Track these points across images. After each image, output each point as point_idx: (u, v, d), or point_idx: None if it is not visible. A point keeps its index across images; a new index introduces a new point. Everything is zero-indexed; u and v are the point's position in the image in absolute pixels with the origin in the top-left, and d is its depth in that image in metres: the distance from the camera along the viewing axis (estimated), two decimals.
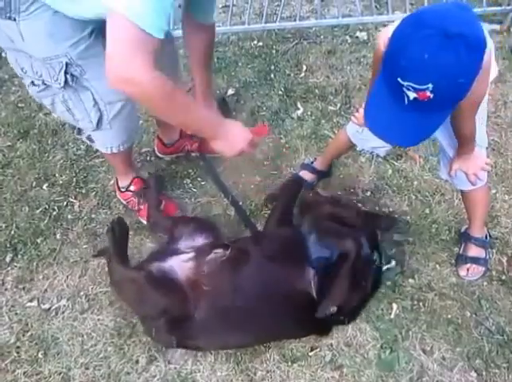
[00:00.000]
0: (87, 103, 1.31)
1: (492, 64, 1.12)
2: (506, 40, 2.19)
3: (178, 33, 1.65)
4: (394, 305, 1.45)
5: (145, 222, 1.67)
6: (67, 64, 1.20)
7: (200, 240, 1.46)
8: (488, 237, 1.55)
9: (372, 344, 1.39)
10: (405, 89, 0.89)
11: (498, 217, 1.63)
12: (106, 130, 1.40)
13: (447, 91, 0.90)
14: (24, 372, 1.40)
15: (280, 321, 1.34)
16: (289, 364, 1.37)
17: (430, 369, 1.34)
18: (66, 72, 1.21)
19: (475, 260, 1.50)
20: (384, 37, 0.98)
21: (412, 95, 0.90)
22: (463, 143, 1.24)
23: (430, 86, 0.87)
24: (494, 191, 1.69)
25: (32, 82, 1.28)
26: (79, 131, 1.48)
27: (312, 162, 1.78)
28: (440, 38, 0.83)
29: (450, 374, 1.33)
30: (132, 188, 1.69)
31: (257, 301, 1.32)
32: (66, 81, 1.23)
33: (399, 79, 0.89)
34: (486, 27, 2.43)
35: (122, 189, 1.70)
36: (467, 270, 1.49)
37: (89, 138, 1.46)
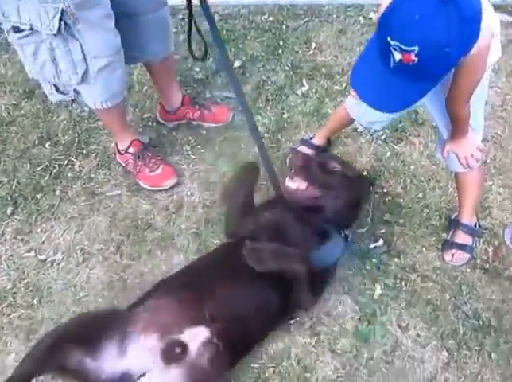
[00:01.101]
0: (75, 55, 1.39)
1: (495, 47, 1.18)
2: None
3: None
4: (377, 284, 1.59)
5: (142, 184, 1.84)
6: (62, 11, 1.27)
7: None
8: (477, 226, 1.69)
9: (351, 316, 1.55)
10: (392, 49, 0.95)
11: (491, 208, 1.77)
12: (90, 84, 1.47)
13: (431, 58, 0.94)
14: (18, 316, 1.58)
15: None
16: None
17: (404, 344, 1.49)
18: (60, 19, 1.27)
19: (461, 247, 1.63)
20: (386, 2, 1.03)
21: (398, 56, 0.96)
22: (457, 126, 1.34)
23: (416, 48, 0.93)
24: (490, 183, 1.82)
25: (14, 27, 1.33)
26: (57, 88, 1.52)
27: (311, 138, 1.93)
28: (435, 2, 0.89)
29: (422, 351, 1.48)
30: (131, 150, 1.84)
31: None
32: (59, 29, 1.29)
33: (388, 38, 0.95)
34: (503, 18, 2.53)
35: (122, 152, 1.86)
36: (452, 255, 1.64)
37: (75, 90, 1.52)
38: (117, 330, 1.22)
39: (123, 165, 1.89)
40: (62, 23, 1.30)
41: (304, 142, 1.93)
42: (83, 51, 1.38)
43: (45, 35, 1.33)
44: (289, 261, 1.36)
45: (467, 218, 1.64)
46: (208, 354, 1.21)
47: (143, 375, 1.17)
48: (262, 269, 1.33)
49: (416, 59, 0.95)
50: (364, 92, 1.10)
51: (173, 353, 1.19)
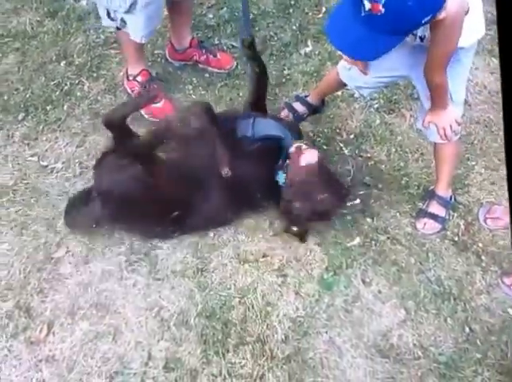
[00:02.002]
0: None
1: (476, 25, 1.03)
2: None
3: None
4: (348, 240, 1.29)
5: (145, 114, 1.48)
6: None
7: None
8: (452, 199, 1.37)
9: (318, 265, 1.26)
10: None
11: (470, 186, 1.42)
12: (136, 17, 1.24)
13: (396, 11, 0.83)
14: (15, 211, 1.34)
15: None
16: (241, 262, 1.27)
17: (365, 298, 1.22)
18: None
19: (434, 216, 1.33)
20: None
21: (367, 5, 0.84)
22: (435, 96, 1.08)
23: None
24: (473, 163, 1.47)
25: None
26: (109, 15, 1.29)
27: (306, 96, 1.56)
28: None
29: (381, 306, 1.21)
30: (139, 78, 1.52)
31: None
32: None
33: None
34: None
35: (130, 78, 1.53)
36: (424, 224, 1.33)
37: (122, 20, 1.28)
38: None
39: (129, 91, 1.55)
40: None
41: (298, 99, 1.57)
42: None
43: None
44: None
45: (442, 190, 1.34)
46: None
47: None
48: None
49: (383, 10, 0.83)
50: (334, 36, 0.95)
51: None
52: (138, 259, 1.27)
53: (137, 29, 1.34)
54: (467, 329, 1.16)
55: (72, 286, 1.23)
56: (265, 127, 1.27)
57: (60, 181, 1.40)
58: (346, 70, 1.32)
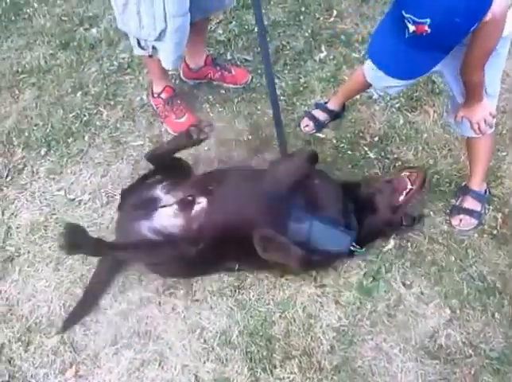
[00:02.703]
0: (157, 11, 1.28)
1: (508, 19, 1.04)
2: None
3: None
4: (384, 244, 1.38)
5: (169, 129, 1.67)
6: None
7: (180, 191, 1.32)
8: (487, 193, 1.46)
9: (356, 272, 1.36)
10: (406, 21, 0.90)
11: (503, 178, 1.52)
12: (166, 44, 1.36)
13: (443, 29, 0.91)
14: (49, 247, 1.46)
15: None
16: (278, 277, 1.36)
17: (407, 300, 1.31)
18: None
19: (469, 212, 1.42)
20: None
21: (411, 27, 0.91)
22: (470, 92, 1.16)
23: (428, 21, 0.88)
24: (504, 153, 1.57)
25: None
26: (140, 44, 1.43)
27: (326, 102, 1.68)
28: None
29: (425, 307, 1.30)
30: (163, 95, 1.68)
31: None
32: None
33: (403, 12, 0.90)
34: None
35: (155, 95, 1.69)
36: (460, 220, 1.42)
37: (153, 47, 1.41)
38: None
39: (154, 108, 1.71)
40: None
41: (318, 106, 1.69)
42: (164, 8, 1.29)
43: None
44: (289, 258, 1.22)
45: (477, 184, 1.43)
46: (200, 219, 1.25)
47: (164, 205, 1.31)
48: (264, 256, 1.23)
49: (429, 30, 0.92)
50: (381, 62, 1.04)
51: (186, 200, 1.29)
52: (174, 283, 1.38)
53: (167, 56, 1.45)
54: None
55: (113, 316, 1.34)
56: (324, 237, 1.26)
57: (88, 213, 1.53)
58: (373, 71, 1.37)
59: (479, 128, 1.23)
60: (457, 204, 1.45)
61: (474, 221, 1.42)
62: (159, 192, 1.33)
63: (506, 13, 0.98)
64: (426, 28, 0.90)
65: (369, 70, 1.40)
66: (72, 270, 1.42)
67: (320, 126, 1.65)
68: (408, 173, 1.33)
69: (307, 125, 1.67)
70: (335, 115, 1.69)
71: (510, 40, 1.17)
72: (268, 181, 1.27)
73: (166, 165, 1.38)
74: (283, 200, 1.25)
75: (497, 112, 1.59)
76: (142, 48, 1.44)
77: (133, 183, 1.43)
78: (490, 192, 1.47)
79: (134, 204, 1.33)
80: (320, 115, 1.66)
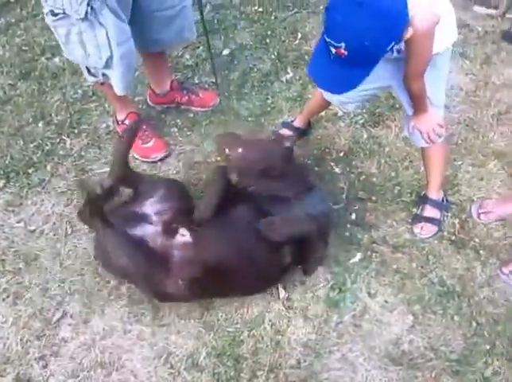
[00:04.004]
0: (101, 40, 1.47)
1: (448, 31, 1.33)
2: (500, 24, 2.35)
3: None
4: (349, 255, 1.64)
5: (136, 155, 1.92)
6: None
7: (166, 205, 1.55)
8: (445, 201, 1.74)
9: (323, 285, 1.59)
10: (328, 45, 1.13)
11: (459, 186, 1.81)
12: (115, 71, 1.56)
13: (357, 51, 1.12)
14: (6, 281, 1.62)
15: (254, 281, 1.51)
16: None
17: (372, 310, 1.53)
18: (87, 4, 1.37)
19: (429, 220, 1.69)
20: None
21: (333, 50, 1.14)
22: (415, 102, 1.43)
23: (343, 45, 1.11)
24: (460, 162, 1.88)
25: (51, 11, 1.44)
26: (90, 72, 1.62)
27: (292, 121, 1.99)
28: (351, 5, 1.06)
29: (389, 315, 1.52)
30: (127, 122, 1.93)
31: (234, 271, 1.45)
32: (86, 13, 1.39)
33: (325, 36, 1.14)
34: (481, 11, 2.63)
35: (119, 122, 1.94)
36: (421, 228, 1.69)
37: (104, 74, 1.61)
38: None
39: (120, 134, 1.95)
40: (89, 8, 1.39)
41: (285, 125, 2.00)
42: (108, 37, 1.46)
43: (74, 19, 1.42)
44: (301, 225, 1.48)
45: (434, 193, 1.71)
46: (182, 253, 1.45)
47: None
48: (280, 238, 1.44)
49: (346, 52, 1.12)
50: (316, 78, 1.31)
51: (170, 228, 1.50)
52: (140, 309, 1.56)
53: (117, 82, 1.64)
54: (474, 324, 1.47)
55: (74, 348, 1.49)
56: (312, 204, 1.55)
57: (50, 244, 1.71)
58: None
59: (429, 137, 1.50)
60: (418, 212, 1.73)
61: (434, 228, 1.69)
62: (148, 208, 1.55)
63: (433, 29, 1.19)
64: (343, 51, 1.11)
65: None
66: (31, 304, 1.58)
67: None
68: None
69: None
70: (302, 133, 1.99)
71: (448, 55, 1.44)
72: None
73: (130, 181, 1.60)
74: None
75: (451, 123, 1.97)
76: (93, 75, 1.64)
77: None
78: (447, 200, 1.75)
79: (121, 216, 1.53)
80: (288, 134, 1.95)
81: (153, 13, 1.63)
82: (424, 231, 1.68)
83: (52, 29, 1.54)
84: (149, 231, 1.49)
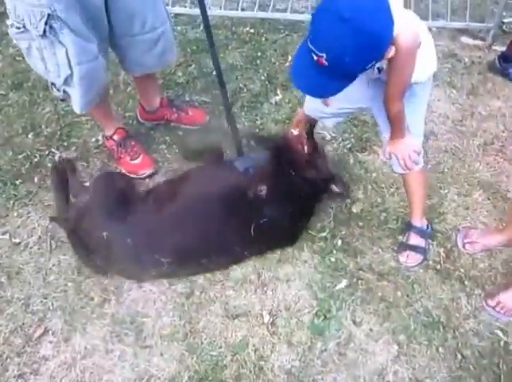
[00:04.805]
0: (60, 59, 1.43)
1: (429, 60, 1.32)
2: (486, 55, 2.36)
3: None
4: (335, 282, 1.61)
5: (123, 170, 1.90)
6: (48, 15, 1.33)
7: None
8: (429, 228, 1.72)
9: (308, 311, 1.56)
10: (311, 51, 1.09)
11: (445, 214, 1.80)
12: (75, 89, 1.51)
13: (336, 65, 1.08)
14: None
15: (222, 223, 1.59)
16: (231, 318, 1.55)
17: (357, 338, 1.50)
18: (45, 23, 1.33)
19: (414, 248, 1.67)
20: None
21: (314, 57, 1.10)
22: (393, 126, 1.39)
23: (324, 55, 1.07)
24: (446, 191, 1.87)
25: (14, 24, 1.40)
26: (54, 85, 1.57)
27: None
28: (334, 19, 1.02)
29: (374, 344, 1.49)
30: (115, 137, 1.90)
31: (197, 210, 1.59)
32: (44, 31, 1.35)
33: (308, 42, 1.09)
34: (468, 41, 2.65)
35: (107, 137, 1.91)
36: (407, 256, 1.67)
37: (64, 91, 1.56)
38: None
39: (109, 150, 1.93)
40: (47, 27, 1.35)
41: None
42: (67, 56, 1.42)
43: (34, 35, 1.38)
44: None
45: (418, 220, 1.69)
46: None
47: None
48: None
49: (326, 63, 1.09)
50: (296, 79, 1.24)
51: None
52: (123, 329, 1.52)
53: (76, 101, 1.58)
54: (459, 356, 1.45)
55: (54, 367, 1.45)
56: None
57: (34, 258, 1.67)
58: (309, 102, 1.68)
59: (405, 164, 1.45)
60: (404, 240, 1.71)
61: (419, 257, 1.67)
62: None
63: (415, 49, 1.17)
64: (324, 61, 1.08)
65: (306, 101, 1.70)
66: (12, 319, 1.53)
67: None
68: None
69: None
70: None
71: (429, 85, 1.44)
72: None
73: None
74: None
75: (437, 152, 1.97)
76: (57, 89, 1.58)
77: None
78: (432, 227, 1.74)
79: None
80: None
81: (135, 37, 1.59)
82: (410, 259, 1.66)
83: (15, 42, 1.50)
84: None
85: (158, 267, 1.55)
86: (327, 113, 1.61)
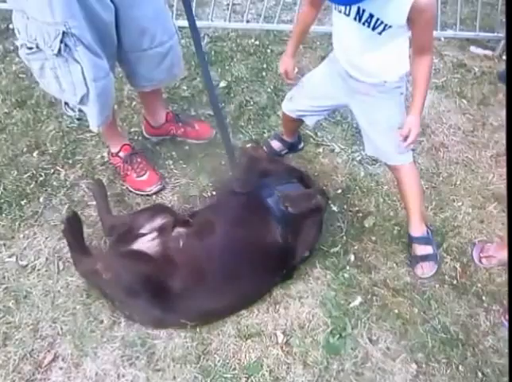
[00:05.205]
0: (75, 76, 1.40)
1: (403, 60, 1.39)
2: (496, 65, 2.36)
3: None
4: (349, 299, 1.57)
5: (130, 187, 1.86)
6: (63, 33, 1.30)
7: (159, 221, 1.58)
8: (430, 233, 1.68)
9: (322, 329, 1.52)
10: None
11: (460, 228, 1.77)
12: (90, 108, 1.49)
13: None
14: None
15: (255, 276, 1.51)
16: (243, 338, 1.51)
17: (374, 357, 1.47)
18: (61, 41, 1.31)
19: (424, 258, 1.64)
20: None
21: None
22: (420, 94, 1.39)
23: None
24: (459, 204, 1.84)
25: (25, 44, 1.37)
26: (67, 105, 1.55)
27: (282, 134, 2.00)
28: None
29: (392, 363, 1.46)
30: (121, 154, 1.87)
31: (231, 264, 1.48)
32: (59, 49, 1.33)
33: None
34: (478, 51, 2.65)
35: (113, 154, 1.88)
36: (421, 268, 1.64)
37: (80, 110, 1.55)
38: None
39: (115, 167, 1.90)
40: (62, 45, 1.32)
41: (275, 136, 2.02)
42: (83, 73, 1.39)
43: (48, 54, 1.36)
44: (315, 197, 1.58)
45: (416, 230, 1.65)
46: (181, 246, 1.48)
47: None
48: (297, 211, 1.53)
49: None
50: None
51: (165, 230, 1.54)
52: (134, 352, 1.48)
53: (93, 119, 1.56)
54: (479, 375, 1.41)
55: None
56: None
57: (42, 280, 1.63)
58: (288, 101, 1.74)
59: (411, 142, 1.44)
60: (412, 254, 1.68)
61: (433, 264, 1.64)
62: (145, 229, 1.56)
63: (434, 5, 1.26)
64: None
65: (285, 102, 1.77)
66: (22, 345, 1.49)
67: (275, 155, 1.97)
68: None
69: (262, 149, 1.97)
70: (291, 146, 2.00)
71: (403, 86, 1.46)
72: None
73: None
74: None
75: (449, 163, 1.95)
76: (72, 109, 1.56)
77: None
78: (430, 229, 1.69)
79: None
80: (276, 145, 1.98)
81: (145, 52, 1.57)
82: (426, 270, 1.63)
83: (26, 63, 1.46)
84: (145, 240, 1.49)
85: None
86: (306, 111, 1.66)
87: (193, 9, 2.30)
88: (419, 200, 1.64)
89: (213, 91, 1.66)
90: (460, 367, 1.44)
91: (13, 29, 1.56)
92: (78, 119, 1.69)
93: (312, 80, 1.66)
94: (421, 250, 1.64)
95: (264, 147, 1.99)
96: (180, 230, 1.53)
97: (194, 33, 1.47)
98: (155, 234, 1.53)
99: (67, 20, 1.29)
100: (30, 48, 1.37)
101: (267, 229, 1.52)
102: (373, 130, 1.56)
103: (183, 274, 1.45)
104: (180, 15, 2.60)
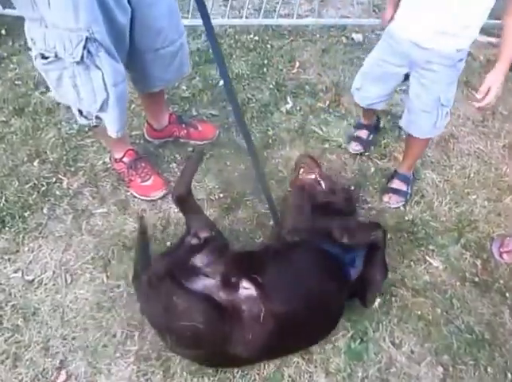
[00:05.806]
0: (96, 83, 1.31)
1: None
2: None
3: None
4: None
5: (135, 193, 1.73)
6: (86, 39, 1.20)
7: (219, 262, 1.33)
8: (411, 176, 1.73)
9: (342, 334, 1.41)
10: None
11: (477, 222, 1.66)
12: (109, 114, 1.40)
13: None
14: (5, 340, 1.41)
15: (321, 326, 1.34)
16: None
17: (398, 361, 1.36)
18: (84, 47, 1.20)
19: (396, 191, 1.72)
20: None
21: None
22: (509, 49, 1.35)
23: None
24: (474, 196, 1.73)
25: (41, 54, 1.26)
26: (81, 113, 1.44)
27: (359, 121, 1.91)
28: None
29: (417, 367, 1.35)
30: (125, 159, 1.74)
31: (301, 321, 1.26)
32: (82, 56, 1.22)
33: None
34: (482, 39, 2.51)
35: (117, 160, 1.75)
36: (389, 197, 1.71)
37: (97, 117, 1.44)
38: None
39: (118, 173, 1.77)
40: (85, 51, 1.22)
41: (358, 126, 1.92)
42: (103, 79, 1.29)
43: (68, 63, 1.25)
44: (370, 230, 1.39)
45: (404, 169, 1.73)
46: (250, 307, 1.23)
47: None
48: (359, 242, 1.35)
49: None
50: None
51: (229, 282, 1.28)
52: (149, 366, 1.37)
53: (112, 125, 1.48)
54: (509, 376, 1.32)
55: None
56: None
57: (49, 295, 1.50)
58: (357, 91, 1.66)
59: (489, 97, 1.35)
60: (387, 185, 1.71)
61: (400, 199, 1.68)
62: (198, 261, 1.32)
63: None
64: None
65: (354, 91, 1.68)
66: (32, 365, 1.37)
67: (369, 143, 1.87)
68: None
69: (356, 146, 1.87)
70: (375, 127, 1.90)
71: (465, 57, 1.42)
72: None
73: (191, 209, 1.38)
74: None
75: (460, 155, 1.85)
76: (85, 117, 1.46)
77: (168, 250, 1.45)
78: (414, 176, 1.72)
79: (170, 269, 1.29)
80: (363, 134, 1.87)
81: (157, 52, 1.47)
82: (392, 200, 1.71)
83: (43, 73, 1.34)
84: (209, 285, 1.26)
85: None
86: (377, 97, 1.61)
87: (190, 7, 2.17)
88: (419, 155, 1.73)
89: (240, 117, 1.41)
90: (489, 368, 1.34)
91: (6, 35, 1.43)
92: (94, 127, 1.50)
93: (371, 62, 1.57)
94: (397, 184, 1.70)
95: (352, 142, 1.85)
96: (248, 289, 1.25)
97: (209, 37, 1.22)
98: (218, 282, 1.27)
99: (91, 25, 1.18)
100: (47, 58, 1.25)
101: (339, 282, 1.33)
102: (419, 103, 1.48)
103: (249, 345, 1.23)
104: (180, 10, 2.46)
